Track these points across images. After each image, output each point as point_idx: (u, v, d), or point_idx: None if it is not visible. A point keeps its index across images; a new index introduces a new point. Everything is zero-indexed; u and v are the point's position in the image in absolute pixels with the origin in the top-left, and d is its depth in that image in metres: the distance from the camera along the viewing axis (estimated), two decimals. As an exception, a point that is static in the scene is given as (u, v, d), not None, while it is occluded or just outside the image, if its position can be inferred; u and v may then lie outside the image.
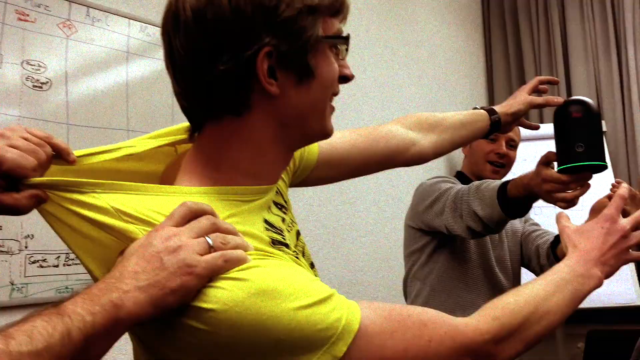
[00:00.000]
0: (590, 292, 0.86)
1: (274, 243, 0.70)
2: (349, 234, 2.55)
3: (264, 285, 0.60)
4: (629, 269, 2.90)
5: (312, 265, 0.80)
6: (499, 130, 1.24)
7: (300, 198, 2.32)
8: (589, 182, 1.25)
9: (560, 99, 1.27)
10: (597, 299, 2.87)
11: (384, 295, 2.64)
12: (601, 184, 1.74)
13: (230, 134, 0.71)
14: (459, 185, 1.69)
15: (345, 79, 0.76)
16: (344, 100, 2.57)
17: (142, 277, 0.58)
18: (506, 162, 1.89)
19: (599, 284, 0.87)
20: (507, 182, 1.45)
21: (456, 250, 1.80)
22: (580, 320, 3.04)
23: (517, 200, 1.41)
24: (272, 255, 0.67)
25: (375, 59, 2.83)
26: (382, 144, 1.04)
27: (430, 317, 0.70)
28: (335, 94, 0.76)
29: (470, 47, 3.64)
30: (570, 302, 0.82)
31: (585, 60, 3.39)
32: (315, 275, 0.77)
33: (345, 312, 0.64)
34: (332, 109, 0.77)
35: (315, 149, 0.95)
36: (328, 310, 0.63)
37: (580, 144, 1.20)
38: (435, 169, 3.01)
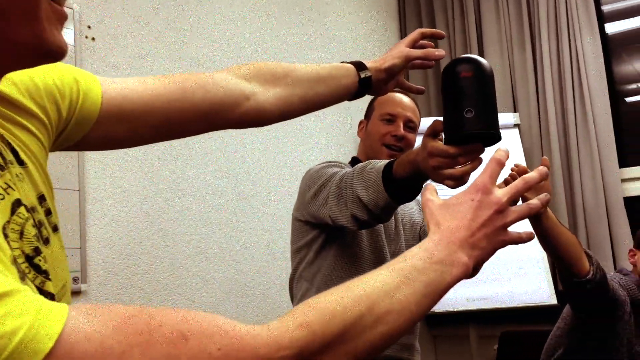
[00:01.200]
0: (454, 282, 0.63)
1: None
2: (242, 232, 2.28)
3: None
4: (543, 267, 2.78)
5: (36, 252, 0.53)
6: (370, 89, 1.02)
7: (189, 192, 2.04)
8: (481, 156, 1.04)
9: (442, 52, 1.05)
10: (511, 298, 2.74)
11: (283, 299, 2.38)
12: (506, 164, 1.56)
13: None
14: (347, 169, 1.46)
15: None
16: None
17: None
18: (404, 146, 1.67)
19: (465, 273, 0.64)
20: (394, 161, 1.23)
21: (346, 245, 1.56)
22: (495, 321, 2.90)
23: (404, 181, 1.19)
24: None
25: (287, 47, 2.58)
26: (200, 94, 0.78)
27: (198, 327, 0.45)
28: None
29: (385, 36, 3.47)
30: (423, 298, 0.60)
31: (500, 52, 3.32)
32: (34, 267, 0.51)
33: (30, 320, 0.39)
34: (61, 15, 0.50)
35: (97, 97, 0.68)
36: None
37: (470, 109, 0.98)
38: (344, 156, 2.79)
